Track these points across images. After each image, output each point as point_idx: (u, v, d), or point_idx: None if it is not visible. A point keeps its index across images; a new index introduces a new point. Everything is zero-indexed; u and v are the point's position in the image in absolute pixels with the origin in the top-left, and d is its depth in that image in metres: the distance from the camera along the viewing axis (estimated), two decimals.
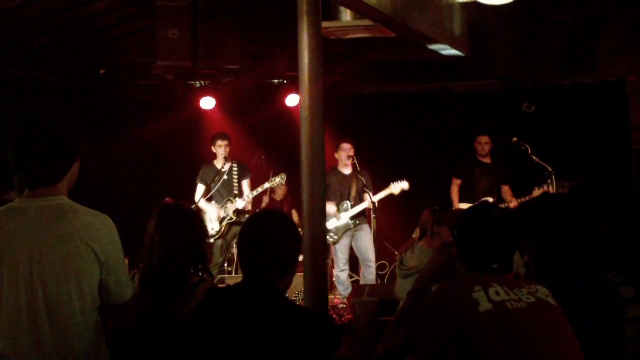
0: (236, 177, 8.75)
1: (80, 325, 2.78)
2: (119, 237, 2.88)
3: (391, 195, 8.68)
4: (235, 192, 8.71)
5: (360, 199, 8.67)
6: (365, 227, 8.69)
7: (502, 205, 8.62)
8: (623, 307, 3.06)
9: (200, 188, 8.75)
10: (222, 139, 8.77)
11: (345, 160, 8.69)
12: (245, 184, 8.82)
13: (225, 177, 8.69)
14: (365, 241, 8.64)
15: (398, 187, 8.62)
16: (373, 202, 8.41)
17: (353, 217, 8.64)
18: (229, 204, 8.66)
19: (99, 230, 2.82)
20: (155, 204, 3.92)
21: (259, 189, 8.80)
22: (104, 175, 9.03)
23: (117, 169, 9.77)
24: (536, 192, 8.53)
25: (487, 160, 9.18)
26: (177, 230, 3.59)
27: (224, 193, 8.72)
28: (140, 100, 10.61)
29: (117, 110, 10.01)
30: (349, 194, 8.68)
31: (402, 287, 5.43)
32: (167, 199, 8.12)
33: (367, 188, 8.52)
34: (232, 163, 8.80)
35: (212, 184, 8.64)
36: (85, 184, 3.40)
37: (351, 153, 8.63)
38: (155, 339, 3.40)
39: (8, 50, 7.76)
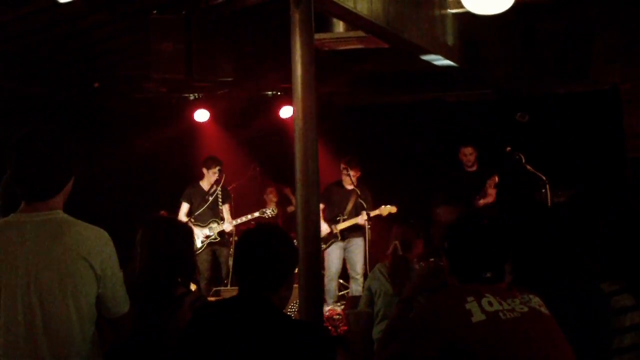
0: (220, 201, 9.06)
1: (78, 340, 2.77)
2: (115, 251, 2.88)
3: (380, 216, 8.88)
4: (221, 215, 9.08)
5: (355, 214, 8.81)
6: (359, 240, 8.82)
7: (482, 201, 8.61)
8: (609, 315, 3.06)
9: (185, 206, 9.02)
10: (220, 165, 8.99)
11: (347, 182, 8.86)
12: (226, 208, 9.16)
13: (211, 198, 8.98)
14: (356, 254, 8.84)
15: (386, 210, 8.85)
16: (368, 218, 8.58)
17: (344, 231, 8.81)
18: (213, 225, 8.97)
19: (96, 244, 2.81)
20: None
21: (249, 216, 9.13)
22: (99, 188, 9.02)
23: (112, 182, 9.76)
24: None
25: (474, 168, 9.14)
26: (159, 243, 3.60)
27: (209, 214, 9.02)
28: (134, 113, 10.60)
29: (111, 123, 10.01)
30: (346, 207, 8.81)
31: None
32: (162, 212, 8.19)
33: (365, 205, 8.64)
34: (218, 188, 9.02)
35: (200, 208, 8.93)
36: (80, 197, 3.39)
37: (355, 178, 8.78)
38: (146, 353, 3.39)
39: (2, 65, 7.76)
